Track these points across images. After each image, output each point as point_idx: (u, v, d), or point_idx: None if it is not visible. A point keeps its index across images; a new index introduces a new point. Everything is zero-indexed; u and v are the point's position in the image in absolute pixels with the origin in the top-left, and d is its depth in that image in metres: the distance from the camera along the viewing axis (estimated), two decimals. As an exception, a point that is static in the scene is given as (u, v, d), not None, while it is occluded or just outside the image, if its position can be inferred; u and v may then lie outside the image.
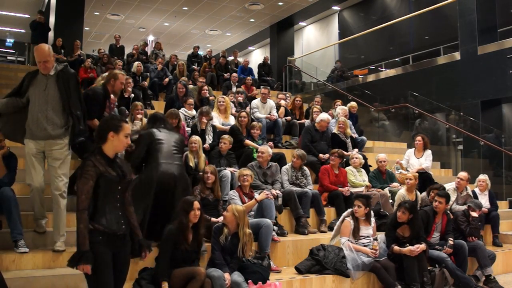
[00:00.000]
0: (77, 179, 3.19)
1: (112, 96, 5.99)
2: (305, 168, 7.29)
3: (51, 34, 15.31)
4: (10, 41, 23.81)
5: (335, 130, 8.74)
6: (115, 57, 13.64)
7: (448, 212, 6.64)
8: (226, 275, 4.64)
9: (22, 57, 21.28)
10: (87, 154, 3.29)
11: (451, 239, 6.20)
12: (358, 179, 7.63)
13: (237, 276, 4.73)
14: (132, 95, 9.05)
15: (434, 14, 14.43)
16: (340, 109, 9.46)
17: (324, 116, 8.51)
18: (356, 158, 7.79)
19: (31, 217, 5.08)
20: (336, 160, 7.48)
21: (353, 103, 10.64)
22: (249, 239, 5.00)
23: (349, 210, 5.87)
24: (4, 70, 12.96)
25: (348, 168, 7.74)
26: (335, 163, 7.49)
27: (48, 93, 4.76)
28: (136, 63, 11.93)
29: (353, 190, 7.32)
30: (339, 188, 7.23)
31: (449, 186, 7.30)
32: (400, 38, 16.66)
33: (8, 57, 22.52)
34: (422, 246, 5.72)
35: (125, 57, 14.57)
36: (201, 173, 6.20)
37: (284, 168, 7.17)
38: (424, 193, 7.16)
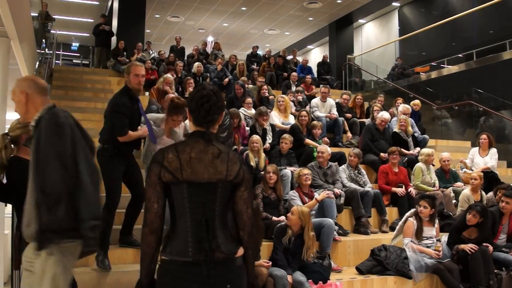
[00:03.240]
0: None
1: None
2: (360, 167, 7.28)
3: (113, 37, 15.79)
4: (75, 45, 24.67)
5: (396, 129, 8.61)
6: (176, 58, 13.92)
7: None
8: (289, 276, 4.66)
9: (87, 60, 21.94)
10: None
11: (519, 241, 5.99)
12: (427, 179, 7.45)
13: (300, 276, 4.76)
14: (194, 95, 9.23)
15: (499, 7, 13.85)
16: (402, 107, 9.29)
17: (382, 115, 8.41)
18: (423, 154, 7.56)
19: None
20: (395, 158, 7.39)
21: (416, 101, 10.42)
22: (312, 242, 5.01)
23: (413, 210, 5.80)
24: (70, 73, 13.35)
25: (418, 166, 7.54)
26: (395, 162, 7.40)
27: None
28: (196, 63, 12.17)
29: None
30: (393, 189, 7.14)
31: (517, 186, 7.06)
32: (463, 33, 16.13)
33: (74, 61, 23.34)
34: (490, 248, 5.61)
35: (185, 58, 14.85)
36: (262, 172, 6.29)
37: (340, 168, 7.15)
38: (490, 193, 6.95)
